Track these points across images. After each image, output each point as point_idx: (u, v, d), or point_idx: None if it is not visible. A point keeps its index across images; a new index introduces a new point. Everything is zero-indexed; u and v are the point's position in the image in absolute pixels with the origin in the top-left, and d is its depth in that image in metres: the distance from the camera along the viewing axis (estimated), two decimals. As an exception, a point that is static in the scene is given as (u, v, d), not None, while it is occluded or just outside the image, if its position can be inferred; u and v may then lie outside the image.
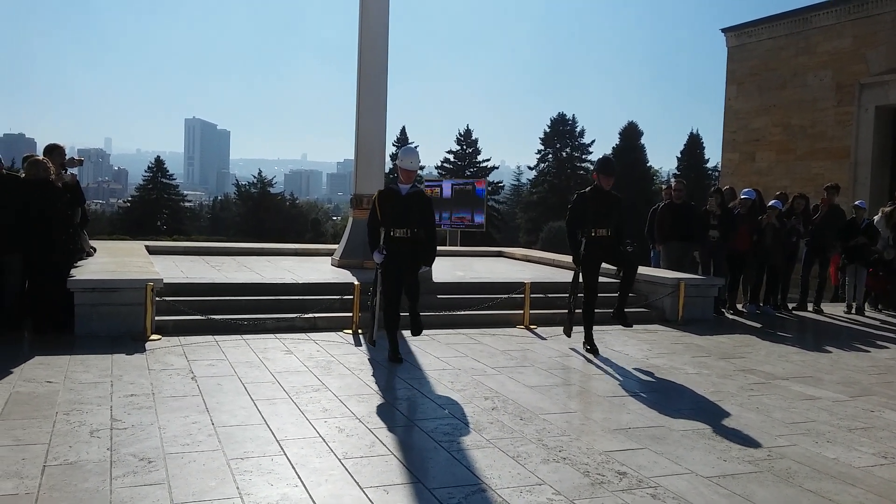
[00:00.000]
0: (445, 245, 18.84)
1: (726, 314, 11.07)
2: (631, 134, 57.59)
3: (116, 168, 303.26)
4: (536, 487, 4.09)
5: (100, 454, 4.31)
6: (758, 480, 4.32)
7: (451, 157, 60.23)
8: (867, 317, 11.75)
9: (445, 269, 11.21)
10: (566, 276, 11.04)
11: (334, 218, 78.46)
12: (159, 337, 7.61)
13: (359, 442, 4.73)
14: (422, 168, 7.53)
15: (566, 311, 8.18)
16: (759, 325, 10.28)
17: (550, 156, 61.02)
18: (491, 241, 43.70)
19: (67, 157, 9.36)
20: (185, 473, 4.07)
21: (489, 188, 44.92)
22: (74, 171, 9.60)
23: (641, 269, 9.34)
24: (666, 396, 6.19)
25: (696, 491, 4.12)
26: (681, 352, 8.11)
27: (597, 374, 6.96)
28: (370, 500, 3.83)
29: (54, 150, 8.99)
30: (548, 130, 61.22)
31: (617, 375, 6.87)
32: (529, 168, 63.73)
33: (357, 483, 4.05)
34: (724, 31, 22.84)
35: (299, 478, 4.09)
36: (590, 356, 7.63)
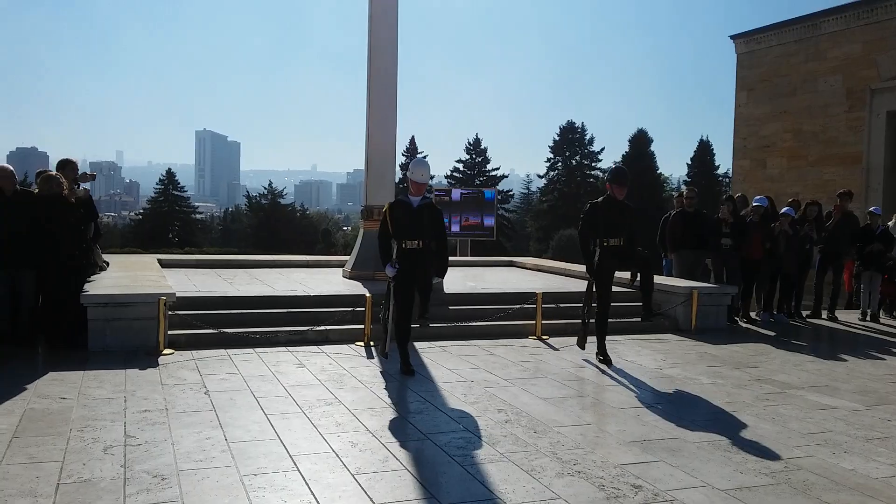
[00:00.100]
0: (456, 255, 18.80)
1: (740, 322, 11.00)
2: (641, 141, 57.47)
3: (128, 181, 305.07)
4: (552, 502, 4.06)
5: (113, 471, 4.31)
6: (775, 493, 4.28)
7: (460, 166, 60.31)
8: (882, 324, 11.65)
9: (457, 280, 11.19)
10: (578, 285, 11.03)
11: (345, 228, 78.71)
12: (172, 351, 7.62)
13: (372, 457, 4.71)
14: (431, 178, 7.54)
15: (579, 321, 8.14)
16: (773, 334, 10.21)
17: (560, 164, 61.02)
18: (501, 250, 43.67)
19: (80, 172, 9.40)
20: (198, 490, 4.06)
21: (499, 197, 44.90)
22: (87, 185, 9.64)
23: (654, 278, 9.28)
24: (681, 407, 6.15)
25: (712, 504, 4.09)
26: (695, 361, 8.06)
27: (610, 385, 6.92)
28: (384, 517, 3.82)
29: (67, 165, 9.03)
30: (557, 139, 61.25)
31: (631, 386, 6.83)
32: (539, 176, 63.80)
33: (371, 499, 4.03)
34: (733, 38, 22.80)
35: (312, 494, 4.07)
36: (603, 367, 7.59)
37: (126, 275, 9.55)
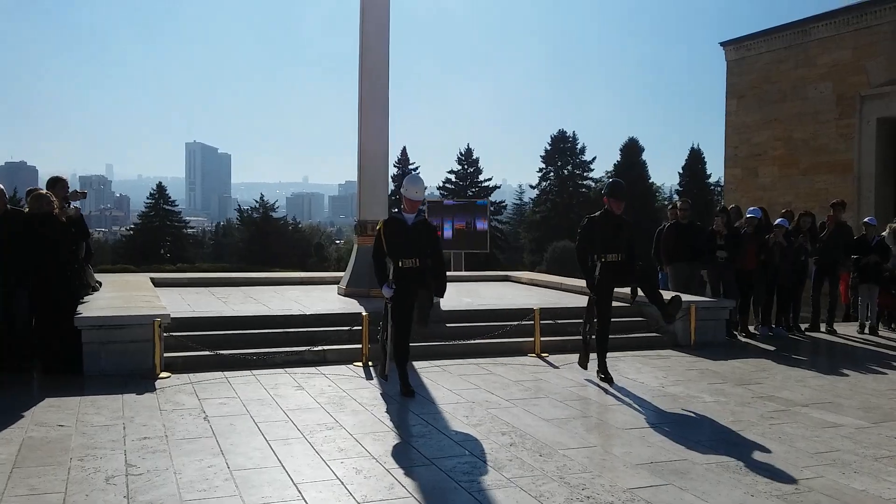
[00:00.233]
0: (450, 269, 18.77)
1: (739, 337, 10.95)
2: (632, 150, 57.67)
3: (118, 195, 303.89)
4: (562, 531, 4.00)
5: (117, 502, 4.23)
6: (787, 517, 4.23)
7: (452, 177, 60.33)
8: (881, 336, 11.60)
9: (452, 296, 11.08)
10: (575, 300, 11.00)
11: (337, 241, 78.59)
12: (169, 374, 7.52)
13: (377, 484, 4.64)
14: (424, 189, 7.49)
15: (580, 338, 8.07)
16: (772, 348, 10.17)
17: (552, 174, 61.07)
18: (495, 263, 43.68)
19: (70, 190, 9.31)
20: (202, 524, 3.99)
21: (492, 208, 44.91)
22: (78, 203, 9.55)
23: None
24: (685, 427, 6.09)
25: (725, 531, 4.03)
26: (696, 379, 8.01)
27: (613, 404, 6.86)
28: (393, 550, 3.75)
29: (57, 183, 8.95)
30: (549, 148, 61.33)
31: (634, 406, 6.77)
32: (531, 187, 63.85)
33: (379, 530, 3.96)
34: (722, 44, 22.86)
35: (319, 526, 4.00)
36: (604, 385, 7.52)
37: (119, 295, 9.46)
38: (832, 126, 19.54)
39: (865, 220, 12.71)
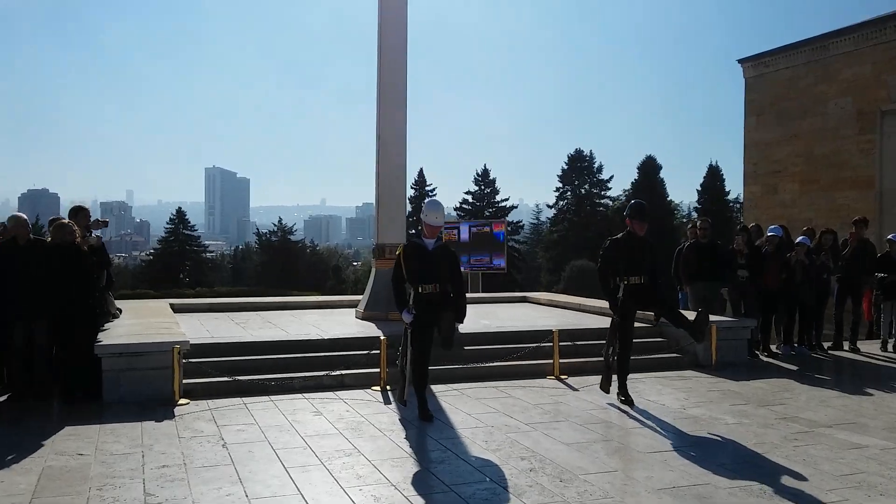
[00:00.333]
0: (468, 290, 18.72)
1: (761, 356, 10.81)
2: (650, 168, 57.34)
3: (139, 220, 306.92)
4: (583, 559, 3.94)
5: (133, 535, 4.22)
6: (814, 544, 4.15)
7: (469, 197, 60.31)
8: (904, 354, 11.45)
9: (470, 318, 10.96)
10: (594, 321, 10.93)
11: (355, 264, 78.77)
12: (188, 401, 7.53)
13: (396, 512, 4.60)
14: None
15: (600, 359, 7.99)
16: (795, 368, 10.03)
17: (569, 193, 60.93)
18: (513, 283, 43.50)
19: (92, 219, 9.39)
20: (220, 555, 3.96)
21: (509, 228, 44.88)
22: (99, 232, 9.62)
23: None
24: (708, 450, 6.01)
25: (750, 558, 3.96)
26: (718, 400, 7.91)
27: (634, 427, 6.78)
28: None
29: (79, 213, 9.03)
30: (565, 167, 61.21)
31: (655, 428, 6.69)
32: (549, 206, 63.65)
33: (397, 560, 3.92)
34: (740, 61, 22.79)
35: (338, 556, 3.96)
36: (625, 407, 7.44)
37: (139, 322, 9.49)
38: (853, 141, 19.39)
39: (889, 237, 12.55)
